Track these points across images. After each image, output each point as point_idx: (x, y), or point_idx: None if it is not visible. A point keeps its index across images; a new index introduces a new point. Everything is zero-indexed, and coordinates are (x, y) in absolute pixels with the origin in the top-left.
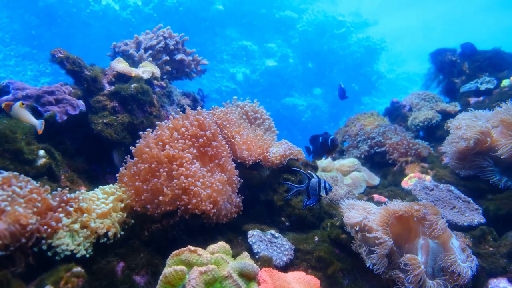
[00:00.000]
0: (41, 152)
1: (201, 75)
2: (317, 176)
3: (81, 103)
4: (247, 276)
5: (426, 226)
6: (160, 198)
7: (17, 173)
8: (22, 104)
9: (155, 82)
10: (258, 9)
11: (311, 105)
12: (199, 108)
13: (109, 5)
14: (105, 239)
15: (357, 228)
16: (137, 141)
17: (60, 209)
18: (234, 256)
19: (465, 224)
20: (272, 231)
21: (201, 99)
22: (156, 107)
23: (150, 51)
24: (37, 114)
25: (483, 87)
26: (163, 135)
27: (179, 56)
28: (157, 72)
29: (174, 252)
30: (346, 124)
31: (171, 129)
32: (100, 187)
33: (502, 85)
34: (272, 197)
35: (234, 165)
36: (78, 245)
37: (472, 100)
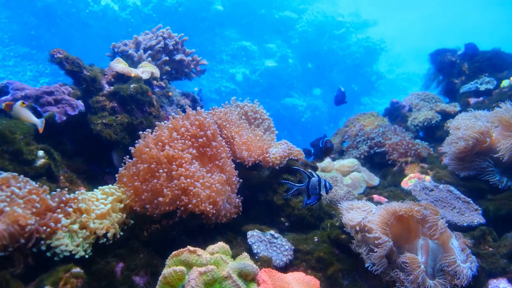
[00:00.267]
0: (40, 153)
1: (200, 76)
2: (317, 175)
3: (80, 103)
4: (247, 277)
5: (426, 227)
6: (160, 199)
7: (16, 174)
8: (23, 103)
9: (155, 82)
10: (258, 10)
11: (310, 106)
12: (198, 108)
13: (108, 6)
14: (105, 239)
15: (357, 229)
16: (137, 141)
17: (59, 210)
18: (234, 256)
19: (465, 224)
20: (272, 232)
21: (201, 99)
22: (155, 107)
23: (149, 52)
24: (36, 114)
25: (482, 88)
26: (162, 135)
27: (178, 57)
28: (157, 72)
29: (173, 253)
30: (346, 124)
31: (170, 129)
32: (100, 187)
33: (501, 85)
34: (271, 197)
35: (234, 165)
36: (77, 245)
37: (472, 100)
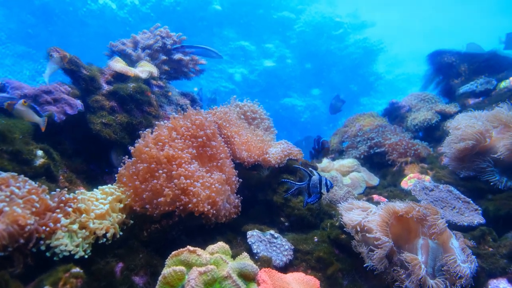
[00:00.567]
0: (39, 152)
1: (199, 75)
2: (318, 174)
3: (79, 102)
4: (247, 277)
5: (426, 227)
6: (160, 199)
7: (15, 174)
8: (25, 102)
9: (153, 81)
10: (256, 10)
11: (309, 106)
12: (198, 108)
13: (106, 4)
14: (104, 239)
15: (357, 229)
16: (136, 141)
17: (58, 210)
18: (234, 256)
19: (465, 224)
20: (272, 232)
21: (200, 99)
22: (154, 107)
23: (147, 51)
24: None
25: (482, 88)
26: (162, 135)
27: (177, 56)
28: (155, 72)
29: (173, 253)
30: (345, 124)
31: (170, 129)
32: (99, 187)
33: (501, 85)
34: (271, 197)
35: (233, 165)
36: (77, 245)
37: (471, 100)
